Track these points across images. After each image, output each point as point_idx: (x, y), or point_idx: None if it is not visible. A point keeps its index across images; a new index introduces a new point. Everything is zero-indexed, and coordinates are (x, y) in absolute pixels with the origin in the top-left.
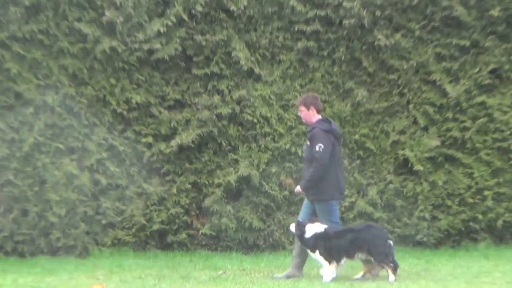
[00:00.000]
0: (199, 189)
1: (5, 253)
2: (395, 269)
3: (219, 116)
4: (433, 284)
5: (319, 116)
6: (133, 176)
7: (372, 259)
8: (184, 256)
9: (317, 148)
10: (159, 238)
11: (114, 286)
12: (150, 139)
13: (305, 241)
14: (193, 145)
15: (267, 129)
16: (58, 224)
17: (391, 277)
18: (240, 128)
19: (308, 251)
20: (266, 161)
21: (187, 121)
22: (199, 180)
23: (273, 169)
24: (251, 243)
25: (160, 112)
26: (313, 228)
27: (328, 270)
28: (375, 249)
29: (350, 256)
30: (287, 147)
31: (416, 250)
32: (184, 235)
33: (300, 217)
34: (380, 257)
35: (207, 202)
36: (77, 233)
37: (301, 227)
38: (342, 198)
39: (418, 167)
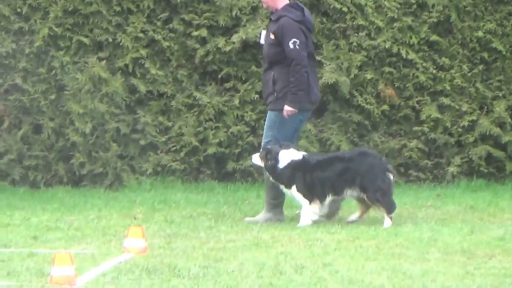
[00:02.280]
0: None
1: (13, 182)
2: (390, 211)
3: None
4: None
5: (286, 0)
6: (182, 82)
7: (365, 196)
8: (250, 190)
9: (291, 45)
10: (216, 166)
11: (157, 228)
12: (204, 32)
13: (279, 174)
14: (262, 42)
15: (360, 21)
16: (81, 145)
17: (387, 221)
18: (324, 19)
19: (283, 188)
20: (359, 64)
21: (254, 9)
22: None
23: (369, 75)
24: None
25: None
26: (288, 156)
27: (308, 211)
28: (370, 184)
29: (338, 192)
30: (387, 46)
31: None
32: (249, 162)
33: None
34: (376, 195)
35: None
36: (107, 157)
37: (272, 155)
38: (311, 109)
39: None
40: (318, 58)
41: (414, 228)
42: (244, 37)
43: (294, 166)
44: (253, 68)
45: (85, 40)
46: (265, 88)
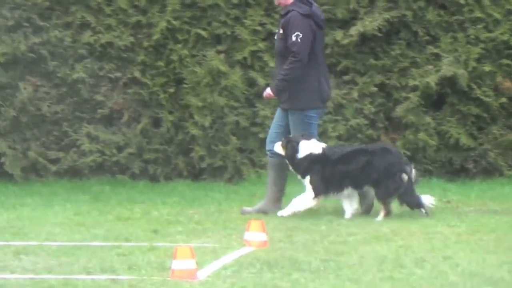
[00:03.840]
0: (388, 94)
1: (132, 176)
2: (388, 213)
3: None
4: None
5: None
6: None
7: (373, 192)
8: None
9: (293, 38)
10: None
11: (278, 222)
12: None
13: (297, 163)
14: (379, 34)
15: (478, 14)
16: (201, 138)
17: (380, 216)
18: (442, 12)
19: (299, 177)
20: (477, 57)
21: (371, 1)
22: (388, 82)
23: (487, 68)
24: (457, 166)
25: None
26: (308, 147)
27: (303, 200)
28: (383, 181)
29: (358, 186)
30: (505, 38)
31: None
32: None
33: (272, 130)
34: (384, 194)
35: (399, 111)
36: (226, 150)
37: (292, 144)
38: (324, 107)
39: None
40: (435, 50)
41: None
42: (361, 30)
43: (312, 158)
44: (372, 60)
45: (203, 33)
46: None
